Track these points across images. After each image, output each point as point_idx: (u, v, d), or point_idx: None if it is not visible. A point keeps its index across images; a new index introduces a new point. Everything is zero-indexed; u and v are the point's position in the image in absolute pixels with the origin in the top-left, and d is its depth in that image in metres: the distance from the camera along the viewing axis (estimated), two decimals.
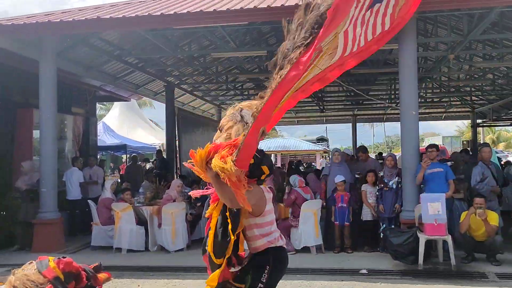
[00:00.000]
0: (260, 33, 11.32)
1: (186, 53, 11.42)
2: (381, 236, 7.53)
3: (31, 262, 6.11)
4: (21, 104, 10.06)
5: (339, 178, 7.89)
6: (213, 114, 21.63)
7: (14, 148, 9.93)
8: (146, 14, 7.67)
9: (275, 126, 39.85)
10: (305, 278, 6.17)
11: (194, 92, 16.80)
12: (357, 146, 20.40)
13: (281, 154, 29.32)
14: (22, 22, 7.85)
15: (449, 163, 8.21)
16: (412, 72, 7.59)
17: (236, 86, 16.86)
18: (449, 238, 6.38)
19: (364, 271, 6.46)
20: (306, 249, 7.67)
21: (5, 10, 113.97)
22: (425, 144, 21.92)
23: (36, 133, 9.85)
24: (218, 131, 2.93)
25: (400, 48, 7.64)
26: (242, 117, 2.87)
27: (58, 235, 8.32)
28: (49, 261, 5.89)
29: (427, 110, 22.35)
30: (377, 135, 56.83)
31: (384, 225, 7.62)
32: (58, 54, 8.87)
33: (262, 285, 2.87)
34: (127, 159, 20.05)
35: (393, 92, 17.00)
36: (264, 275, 2.89)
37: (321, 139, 34.80)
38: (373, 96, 18.10)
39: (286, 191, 8.07)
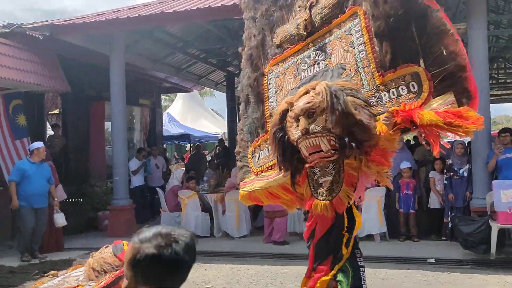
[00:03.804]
0: None
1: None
2: (449, 225, 7.27)
3: (107, 246, 6.53)
4: (93, 98, 10.68)
5: (405, 165, 7.68)
6: None
7: (89, 139, 10.59)
8: (207, 6, 7.84)
9: None
10: (369, 266, 6.06)
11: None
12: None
13: None
14: (93, 20, 8.30)
15: None
16: (482, 52, 7.18)
17: None
18: None
19: (432, 260, 6.29)
20: (369, 237, 7.57)
21: (75, 9, 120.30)
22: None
23: (107, 125, 10.44)
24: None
25: (469, 27, 7.24)
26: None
27: (130, 221, 8.81)
28: (123, 245, 6.27)
29: (499, 92, 21.01)
30: None
31: (453, 214, 7.34)
32: (126, 48, 9.29)
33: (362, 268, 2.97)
34: (191, 148, 20.65)
35: None
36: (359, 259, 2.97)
37: None
38: None
39: None
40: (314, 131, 2.62)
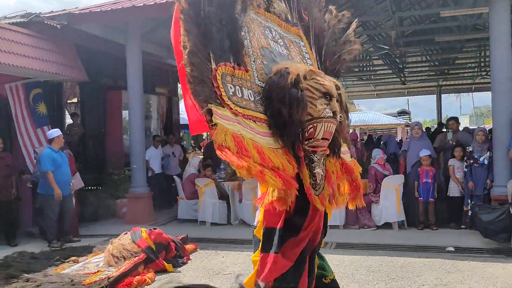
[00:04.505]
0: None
1: None
2: (469, 213, 7.16)
3: (126, 233, 6.64)
4: (110, 87, 10.75)
5: (424, 152, 7.58)
6: None
7: (106, 128, 10.69)
8: None
9: (353, 100, 38.86)
10: (387, 254, 6.07)
11: None
12: (442, 118, 19.38)
13: (360, 128, 28.64)
14: (110, 8, 8.31)
15: None
16: (504, 36, 7.00)
17: None
18: None
19: (451, 249, 6.21)
20: (387, 225, 7.52)
21: None
22: None
23: (125, 113, 10.52)
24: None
25: (491, 11, 7.06)
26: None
27: (148, 208, 8.90)
28: (141, 232, 6.37)
29: None
30: (464, 107, 53.45)
31: (473, 202, 7.23)
32: (142, 37, 9.29)
33: None
34: (208, 137, 20.72)
35: (482, 60, 15.78)
36: None
37: (403, 112, 33.45)
38: (460, 65, 16.96)
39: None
40: (339, 118, 2.55)
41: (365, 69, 17.94)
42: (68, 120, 10.53)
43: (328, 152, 2.58)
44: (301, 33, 3.00)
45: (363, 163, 8.45)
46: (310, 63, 2.93)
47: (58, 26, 8.24)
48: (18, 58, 7.37)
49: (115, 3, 8.82)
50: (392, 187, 7.48)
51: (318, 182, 2.49)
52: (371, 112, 32.78)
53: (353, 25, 3.24)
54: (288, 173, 2.26)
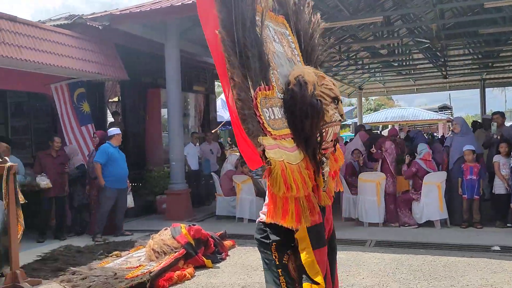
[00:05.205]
0: None
1: None
2: None
3: (166, 229, 6.76)
4: (150, 85, 10.97)
5: (467, 147, 7.34)
6: None
7: (146, 125, 10.93)
8: None
9: (392, 96, 37.99)
10: (430, 253, 5.91)
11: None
12: (485, 113, 18.67)
13: (399, 124, 28.00)
14: (149, 8, 8.48)
15: None
16: None
17: (350, 55, 16.36)
18: None
19: (497, 248, 5.99)
20: (429, 223, 7.33)
21: None
22: None
23: (163, 111, 10.71)
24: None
25: None
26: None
27: (187, 205, 9.05)
28: (181, 228, 6.47)
29: None
30: (510, 101, 51.29)
31: None
32: (180, 35, 9.43)
33: None
34: None
35: None
36: None
37: (444, 107, 32.46)
38: (505, 58, 16.28)
39: (406, 162, 7.74)
40: (343, 120, 2.60)
41: (404, 63, 17.54)
42: (110, 119, 10.83)
43: (333, 150, 2.62)
44: (285, 21, 2.87)
45: (403, 159, 8.28)
46: (297, 53, 2.85)
47: (99, 27, 8.49)
48: (62, 58, 7.64)
49: (154, 3, 8.98)
50: (434, 184, 7.27)
51: (326, 179, 2.57)
52: (410, 108, 31.96)
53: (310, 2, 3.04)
54: (309, 190, 2.33)
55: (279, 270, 2.49)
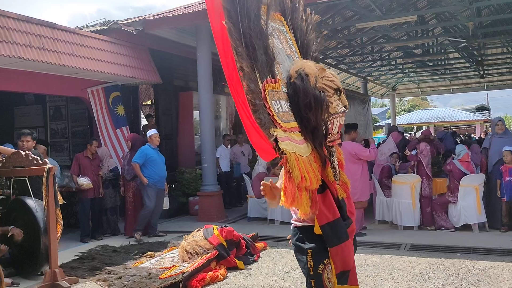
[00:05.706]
0: None
1: (330, 26, 11.26)
2: None
3: (199, 230, 6.82)
4: (182, 88, 11.13)
5: (507, 147, 7.08)
6: (358, 87, 21.08)
7: (178, 128, 11.09)
8: None
9: (426, 96, 37.10)
10: (467, 257, 5.74)
11: (339, 66, 16.56)
12: None
13: (434, 125, 27.33)
14: (181, 13, 8.62)
15: None
16: None
17: (383, 56, 16.13)
18: None
19: None
20: (466, 227, 7.12)
21: (163, 4, 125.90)
22: None
23: (195, 114, 10.84)
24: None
25: None
26: None
27: (219, 206, 9.11)
28: (213, 229, 6.51)
29: None
30: None
31: None
32: (212, 39, 9.50)
33: None
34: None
35: None
36: None
37: (481, 108, 31.50)
38: None
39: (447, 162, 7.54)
40: (347, 110, 2.57)
41: (439, 63, 17.13)
42: (144, 121, 11.05)
43: (340, 141, 2.61)
44: (282, 18, 2.84)
45: (439, 161, 8.08)
46: (295, 49, 2.81)
47: (134, 32, 8.68)
48: (98, 63, 7.86)
49: (186, 7, 9.12)
50: (471, 187, 7.06)
51: (337, 172, 2.57)
52: (446, 108, 31.14)
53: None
54: (319, 182, 2.31)
55: (312, 281, 2.44)
